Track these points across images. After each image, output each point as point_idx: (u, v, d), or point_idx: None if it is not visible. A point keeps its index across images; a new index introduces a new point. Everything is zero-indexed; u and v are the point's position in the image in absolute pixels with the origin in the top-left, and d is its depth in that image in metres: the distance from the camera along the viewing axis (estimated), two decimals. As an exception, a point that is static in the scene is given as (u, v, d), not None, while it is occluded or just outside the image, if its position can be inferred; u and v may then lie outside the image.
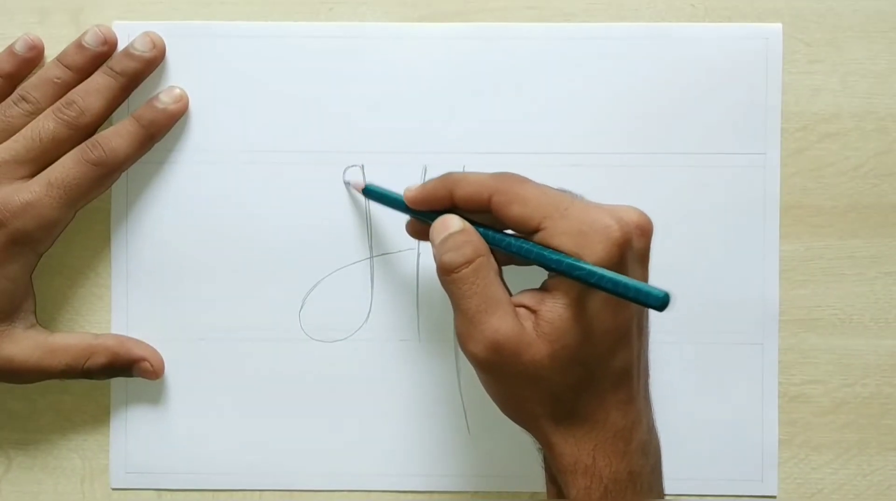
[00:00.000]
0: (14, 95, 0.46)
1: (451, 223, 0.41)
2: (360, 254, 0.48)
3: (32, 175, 0.45)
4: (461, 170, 0.46)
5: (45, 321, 0.48)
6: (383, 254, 0.48)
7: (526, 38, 0.47)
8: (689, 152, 0.47)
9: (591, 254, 0.37)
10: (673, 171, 0.47)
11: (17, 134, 0.45)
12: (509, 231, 0.40)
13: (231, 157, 0.48)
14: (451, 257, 0.40)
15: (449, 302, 0.48)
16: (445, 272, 0.40)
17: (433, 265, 0.47)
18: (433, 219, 0.41)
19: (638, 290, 0.36)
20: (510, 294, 0.40)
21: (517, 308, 0.39)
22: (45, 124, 0.45)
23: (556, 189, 0.40)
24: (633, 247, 0.39)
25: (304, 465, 0.48)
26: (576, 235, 0.38)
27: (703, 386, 0.48)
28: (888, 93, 0.48)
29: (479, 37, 0.48)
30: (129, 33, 0.47)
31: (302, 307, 0.48)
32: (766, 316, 0.48)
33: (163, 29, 0.47)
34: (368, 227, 0.48)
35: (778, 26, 0.48)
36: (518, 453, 0.48)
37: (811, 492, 0.48)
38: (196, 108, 0.48)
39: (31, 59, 0.47)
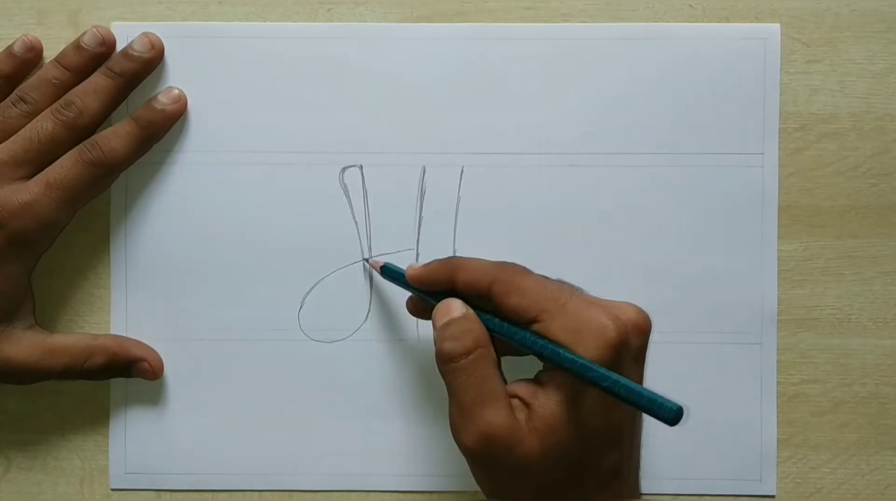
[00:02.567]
0: (13, 96, 0.46)
1: (453, 308, 0.41)
2: (359, 254, 0.48)
3: (31, 176, 0.45)
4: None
5: (44, 322, 0.48)
6: (382, 254, 0.48)
7: (524, 38, 0.47)
8: (688, 152, 0.48)
9: (586, 353, 0.37)
10: (671, 171, 0.47)
11: (16, 135, 0.45)
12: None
13: (230, 157, 0.48)
14: (451, 347, 0.39)
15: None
16: (444, 361, 0.40)
17: (432, 266, 0.47)
18: (433, 298, 0.42)
19: (651, 400, 0.36)
20: (506, 384, 0.40)
21: (511, 399, 0.39)
22: (44, 125, 0.45)
23: (556, 281, 0.40)
24: (629, 346, 0.38)
25: (303, 465, 0.48)
26: (571, 331, 0.38)
27: (701, 386, 0.48)
28: (886, 93, 0.48)
29: (477, 37, 0.48)
30: (127, 34, 0.47)
31: (301, 308, 0.48)
32: (764, 316, 0.48)
33: (161, 30, 0.47)
34: (367, 227, 0.48)
35: (776, 27, 0.48)
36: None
37: (810, 491, 0.48)
38: (195, 108, 0.48)
39: (29, 60, 0.47)
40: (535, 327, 0.39)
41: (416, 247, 0.48)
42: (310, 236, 0.48)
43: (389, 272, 0.45)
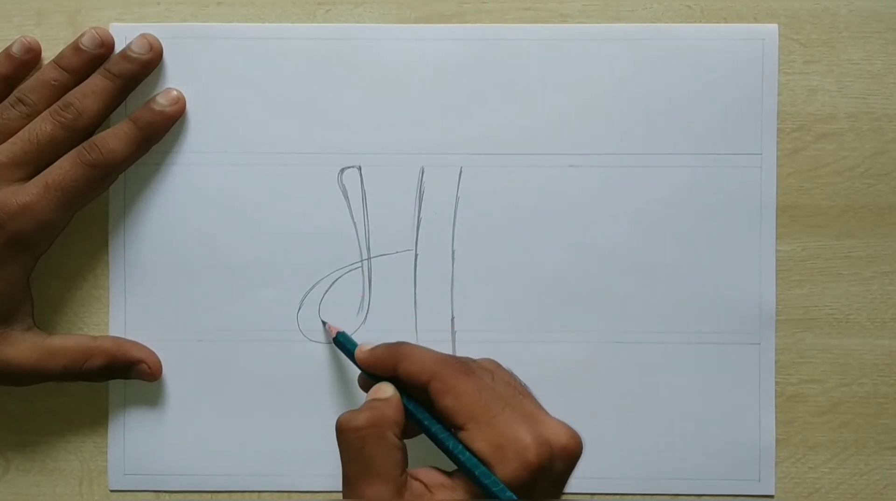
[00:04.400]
0: (11, 98, 0.46)
1: (383, 390, 0.41)
2: (358, 255, 0.48)
3: (30, 177, 0.45)
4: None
5: (43, 323, 0.48)
6: (381, 255, 0.48)
7: (522, 39, 0.48)
8: (686, 153, 0.48)
9: (503, 469, 0.38)
10: (669, 171, 0.48)
11: (15, 136, 0.45)
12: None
13: (228, 158, 0.48)
14: (347, 418, 0.40)
15: (444, 303, 0.48)
16: (337, 430, 0.40)
17: (430, 266, 0.47)
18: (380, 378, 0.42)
19: None
20: (404, 465, 0.39)
21: (413, 480, 0.39)
22: (43, 127, 0.45)
23: (502, 386, 0.40)
24: (549, 471, 0.38)
25: (302, 466, 0.48)
26: (494, 446, 0.38)
27: (700, 386, 0.48)
28: (884, 93, 0.48)
29: (475, 38, 0.48)
30: (126, 35, 0.47)
31: (300, 309, 0.48)
32: (762, 316, 0.48)
33: (160, 31, 0.47)
34: (366, 228, 0.48)
35: (774, 27, 0.48)
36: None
37: (808, 491, 0.48)
38: (193, 109, 0.48)
39: (28, 62, 0.47)
40: (462, 434, 0.39)
41: (414, 248, 0.48)
42: (308, 237, 0.48)
43: (341, 345, 0.45)
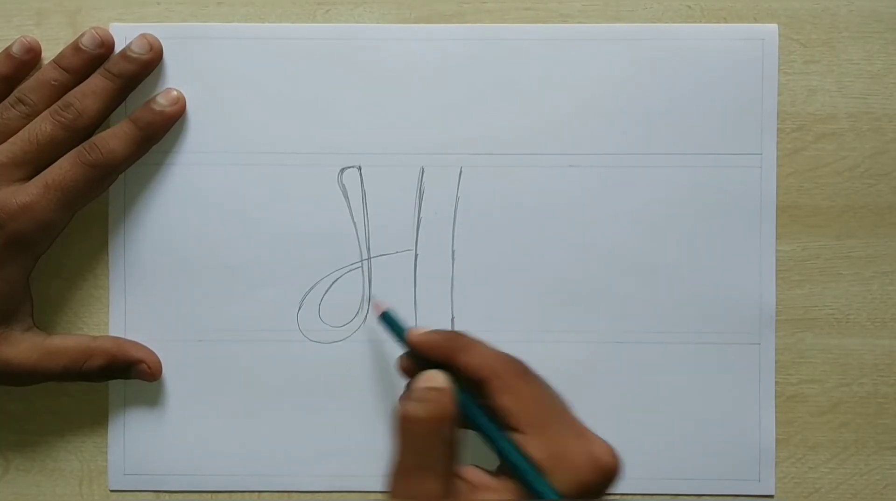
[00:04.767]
0: (11, 98, 0.46)
1: (436, 379, 0.40)
2: (358, 255, 0.48)
3: (29, 177, 0.45)
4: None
5: (43, 324, 0.48)
6: (381, 255, 0.48)
7: (522, 39, 0.48)
8: (686, 153, 0.48)
9: (562, 480, 0.38)
10: (669, 171, 0.48)
11: (14, 136, 0.45)
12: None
13: (228, 158, 0.48)
14: (413, 408, 0.39)
15: (444, 303, 0.48)
16: (402, 418, 0.39)
17: (430, 266, 0.47)
18: (430, 365, 0.41)
19: None
20: (454, 462, 0.39)
21: (459, 479, 0.39)
22: (43, 127, 0.45)
23: (551, 394, 0.40)
24: (595, 489, 0.38)
25: (302, 466, 0.48)
26: (551, 457, 0.38)
27: (700, 386, 0.48)
28: (884, 93, 0.48)
29: (475, 38, 0.48)
30: (126, 35, 0.47)
31: (300, 309, 0.48)
32: (762, 316, 0.48)
33: (160, 31, 0.47)
34: (366, 228, 0.48)
35: (774, 27, 0.48)
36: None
37: (808, 491, 0.48)
38: (193, 110, 0.48)
39: (28, 62, 0.47)
40: (518, 437, 0.39)
41: (414, 248, 0.48)
42: (308, 237, 0.48)
43: (389, 322, 0.44)
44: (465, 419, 0.40)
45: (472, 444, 0.40)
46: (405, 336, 0.43)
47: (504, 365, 0.40)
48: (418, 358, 0.42)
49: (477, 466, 0.40)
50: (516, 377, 0.40)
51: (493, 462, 0.40)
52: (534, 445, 0.38)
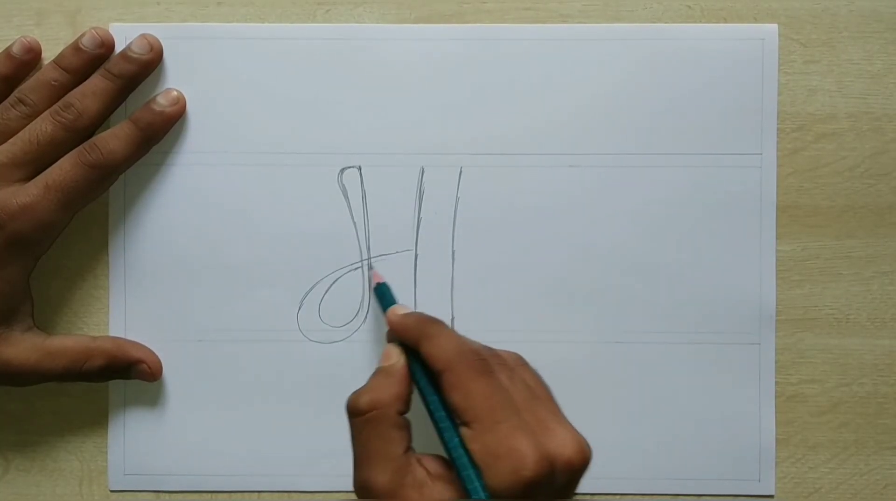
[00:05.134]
0: (11, 98, 0.46)
1: (390, 355, 0.41)
2: (358, 255, 0.48)
3: (30, 178, 0.45)
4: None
5: (43, 324, 0.48)
6: (381, 255, 0.48)
7: (522, 39, 0.48)
8: (686, 153, 0.48)
9: (493, 477, 0.37)
10: (669, 171, 0.48)
11: (15, 137, 0.45)
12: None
13: (228, 158, 0.48)
14: (355, 401, 0.40)
15: (444, 304, 0.48)
16: (348, 413, 0.40)
17: (430, 266, 0.47)
18: None
19: None
20: (408, 445, 0.40)
21: (419, 466, 0.39)
22: (43, 127, 0.45)
23: (518, 391, 0.40)
24: (549, 484, 0.38)
25: (302, 466, 0.48)
26: (490, 455, 0.38)
27: (700, 386, 0.48)
28: (884, 93, 0.48)
29: (475, 38, 0.48)
30: (126, 36, 0.47)
31: (300, 309, 0.48)
32: (762, 316, 0.48)
33: (160, 31, 0.47)
34: (366, 228, 0.48)
35: (774, 27, 0.48)
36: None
37: (808, 491, 0.48)
38: (193, 110, 0.48)
39: (28, 62, 0.47)
40: (463, 430, 0.39)
41: (414, 248, 0.48)
42: (308, 237, 0.48)
43: (380, 295, 0.45)
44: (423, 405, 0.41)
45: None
46: (385, 313, 0.44)
47: (459, 360, 0.40)
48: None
49: (441, 458, 0.40)
50: (468, 373, 0.39)
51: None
52: (476, 441, 0.38)
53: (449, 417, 0.40)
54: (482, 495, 0.37)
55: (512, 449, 0.38)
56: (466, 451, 0.38)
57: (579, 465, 0.39)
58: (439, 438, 0.40)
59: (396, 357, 0.41)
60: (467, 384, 0.39)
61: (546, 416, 0.39)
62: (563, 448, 0.38)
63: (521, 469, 0.37)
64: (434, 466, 0.39)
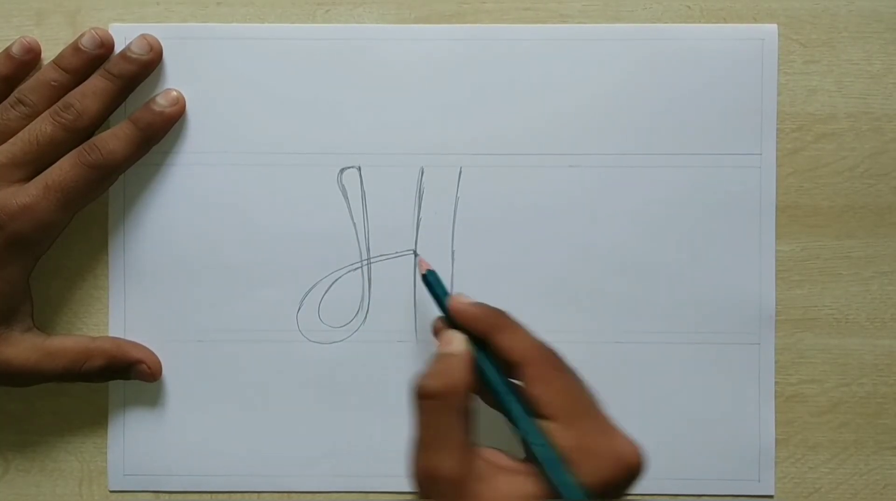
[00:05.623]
0: (11, 98, 0.46)
1: (453, 341, 0.40)
2: (357, 255, 0.48)
3: (29, 178, 0.45)
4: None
5: (43, 324, 0.48)
6: (380, 256, 0.48)
7: (522, 39, 0.48)
8: (686, 153, 0.48)
9: (587, 474, 0.37)
10: (669, 171, 0.48)
11: (15, 137, 0.45)
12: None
13: (228, 159, 0.48)
14: (424, 384, 0.39)
15: (445, 304, 0.48)
16: (415, 395, 0.39)
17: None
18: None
19: None
20: (468, 434, 0.39)
21: (477, 459, 0.38)
22: (43, 127, 0.45)
23: (585, 389, 0.40)
24: (617, 486, 0.38)
25: (301, 467, 0.48)
26: (578, 449, 0.38)
27: (699, 386, 0.48)
28: (883, 93, 0.48)
29: (475, 38, 0.48)
30: (125, 36, 0.47)
31: (299, 309, 0.48)
32: (762, 316, 0.48)
33: (160, 31, 0.47)
34: (366, 228, 0.48)
35: (773, 27, 0.48)
36: (514, 454, 0.48)
37: (808, 492, 0.48)
38: (193, 110, 0.48)
39: (27, 62, 0.47)
40: (548, 424, 0.38)
41: (414, 248, 0.48)
42: (308, 238, 0.48)
43: (431, 283, 0.44)
44: (489, 397, 0.40)
45: (497, 429, 0.40)
46: (446, 302, 0.42)
47: (539, 354, 0.40)
48: (454, 325, 0.42)
49: (500, 450, 0.39)
50: (550, 368, 0.40)
51: (518, 451, 0.39)
52: (561, 435, 0.38)
53: (527, 411, 0.39)
54: (575, 490, 0.37)
55: (596, 447, 0.38)
56: (551, 445, 0.38)
57: (640, 473, 0.39)
58: (515, 429, 0.39)
59: (460, 344, 0.40)
60: (550, 379, 0.39)
61: (608, 421, 0.40)
62: (631, 454, 0.39)
63: (605, 469, 0.38)
64: (495, 457, 0.39)
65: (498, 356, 0.40)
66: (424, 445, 0.39)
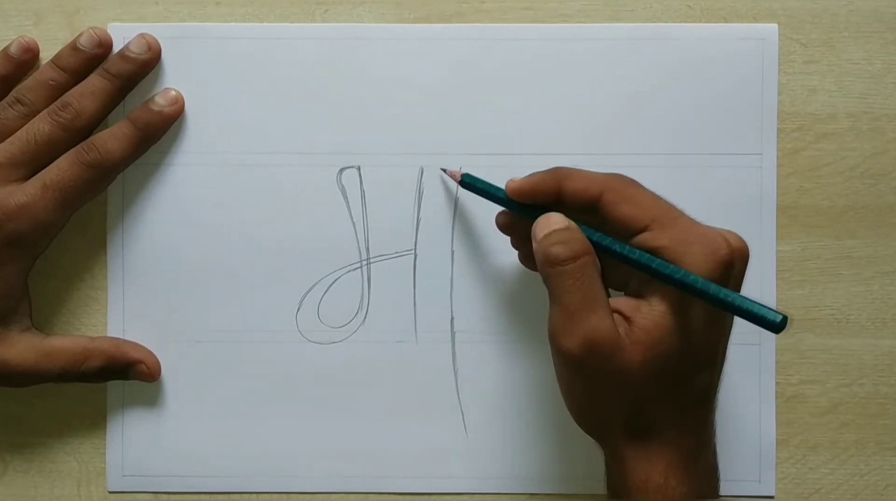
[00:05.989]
0: (9, 98, 0.46)
1: (555, 220, 0.40)
2: (357, 255, 0.48)
3: (27, 178, 0.45)
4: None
5: (41, 324, 0.48)
6: (380, 256, 0.48)
7: (522, 39, 0.47)
8: (686, 153, 0.48)
9: (694, 265, 0.38)
10: (669, 171, 0.47)
11: (13, 136, 0.45)
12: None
13: (227, 159, 0.48)
14: (559, 251, 0.39)
15: (444, 304, 0.48)
16: (551, 264, 0.39)
17: (430, 267, 0.47)
18: (531, 215, 0.41)
19: (758, 309, 0.37)
20: (607, 292, 0.40)
21: (615, 312, 0.39)
22: (41, 127, 0.45)
23: (667, 200, 0.41)
24: (733, 266, 0.39)
25: (301, 467, 0.48)
26: (682, 243, 0.38)
27: (700, 387, 0.48)
28: (884, 93, 0.48)
29: (475, 38, 0.48)
30: (124, 35, 0.47)
31: (299, 309, 0.48)
32: (763, 316, 0.48)
33: (158, 31, 0.47)
34: (365, 228, 0.48)
35: (774, 27, 0.48)
36: (515, 454, 0.48)
37: (808, 492, 0.48)
38: (192, 110, 0.47)
39: (26, 62, 0.47)
40: (644, 235, 0.39)
41: (413, 248, 0.48)
42: (307, 238, 0.48)
43: (472, 184, 0.44)
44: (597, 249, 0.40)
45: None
46: (501, 189, 0.43)
47: (613, 179, 0.40)
48: (517, 210, 0.42)
49: (618, 297, 0.40)
50: (628, 186, 0.40)
51: None
52: (661, 237, 0.39)
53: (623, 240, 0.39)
54: (697, 280, 0.37)
55: (701, 234, 0.39)
56: (656, 252, 0.38)
57: (747, 254, 0.40)
58: (630, 261, 0.39)
59: (564, 219, 0.40)
60: (633, 195, 0.40)
61: (695, 220, 0.40)
62: (733, 237, 0.39)
63: (716, 249, 0.38)
64: (623, 304, 0.39)
65: (573, 205, 0.41)
66: (575, 310, 0.39)
